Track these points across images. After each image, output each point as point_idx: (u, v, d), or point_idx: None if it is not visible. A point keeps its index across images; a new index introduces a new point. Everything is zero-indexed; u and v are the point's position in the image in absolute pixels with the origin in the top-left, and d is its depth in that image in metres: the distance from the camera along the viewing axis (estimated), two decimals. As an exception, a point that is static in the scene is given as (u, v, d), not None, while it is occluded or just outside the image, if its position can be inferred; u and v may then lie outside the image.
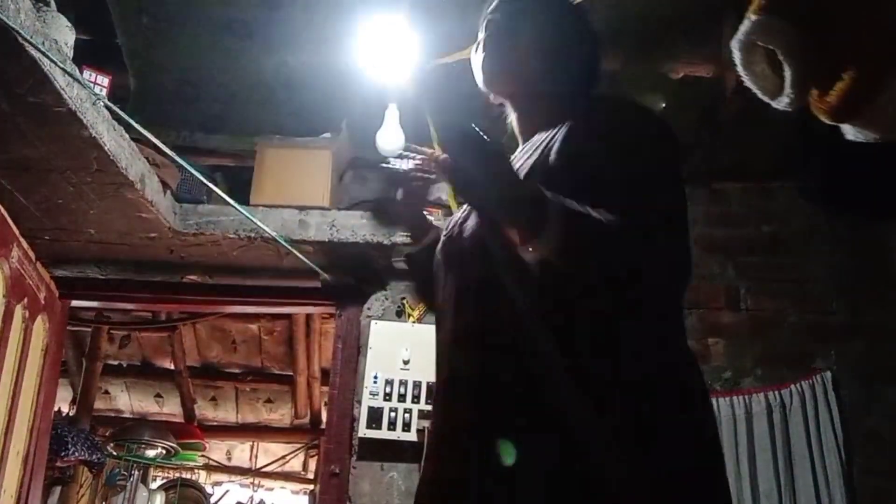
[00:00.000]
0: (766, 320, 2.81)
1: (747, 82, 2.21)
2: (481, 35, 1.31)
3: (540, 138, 1.20)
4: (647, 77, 2.60)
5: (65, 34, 2.08)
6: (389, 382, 2.71)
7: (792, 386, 2.64)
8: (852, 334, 2.76)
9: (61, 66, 1.87)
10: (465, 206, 1.31)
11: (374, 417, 2.68)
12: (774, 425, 2.59)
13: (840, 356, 2.72)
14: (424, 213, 1.45)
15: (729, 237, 2.92)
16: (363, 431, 2.68)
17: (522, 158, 1.21)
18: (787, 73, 1.93)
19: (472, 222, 1.22)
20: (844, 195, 2.41)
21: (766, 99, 2.15)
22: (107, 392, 5.51)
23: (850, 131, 1.91)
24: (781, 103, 2.08)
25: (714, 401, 2.66)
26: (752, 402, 2.64)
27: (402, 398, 2.69)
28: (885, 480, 2.56)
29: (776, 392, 2.64)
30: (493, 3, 1.30)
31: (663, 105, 2.72)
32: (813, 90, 1.91)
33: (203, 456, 5.73)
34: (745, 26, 2.06)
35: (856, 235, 2.86)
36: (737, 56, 2.11)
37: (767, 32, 1.95)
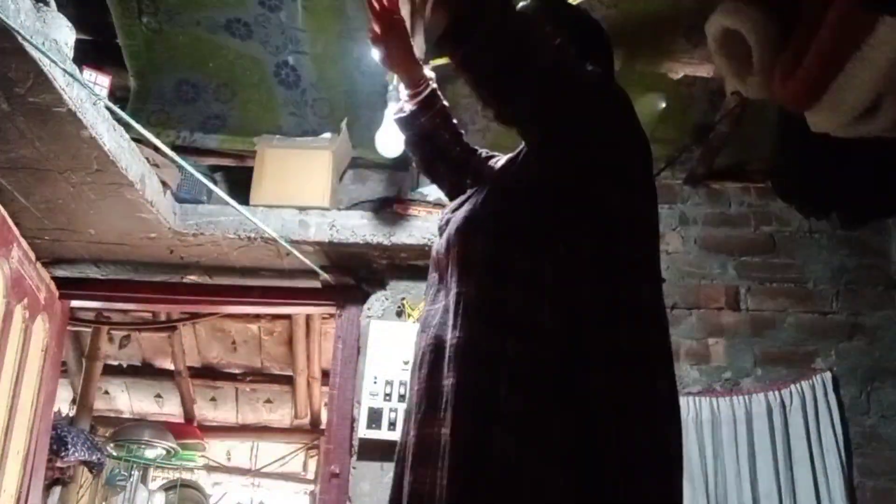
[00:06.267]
0: (766, 320, 2.81)
1: (718, 66, 2.23)
2: None
3: None
4: (646, 77, 2.60)
5: (65, 34, 2.08)
6: (389, 383, 2.71)
7: (792, 386, 2.64)
8: (852, 334, 2.76)
9: (61, 66, 1.87)
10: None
11: (374, 418, 2.68)
12: (774, 425, 2.59)
13: (840, 356, 2.72)
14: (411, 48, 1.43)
15: (729, 237, 2.92)
16: (363, 432, 2.68)
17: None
18: (755, 57, 1.94)
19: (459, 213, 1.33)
20: (832, 196, 2.42)
21: (733, 84, 2.17)
22: (107, 392, 5.51)
23: (814, 122, 1.92)
24: (749, 88, 2.09)
25: (714, 401, 2.66)
26: (752, 402, 2.64)
27: (402, 398, 2.69)
28: (886, 480, 2.57)
29: (776, 392, 2.64)
30: None
31: (663, 105, 2.73)
32: (777, 76, 1.93)
33: (203, 456, 5.73)
34: (717, 10, 2.08)
35: (856, 235, 2.86)
36: (709, 39, 2.13)
37: (738, 16, 1.97)
